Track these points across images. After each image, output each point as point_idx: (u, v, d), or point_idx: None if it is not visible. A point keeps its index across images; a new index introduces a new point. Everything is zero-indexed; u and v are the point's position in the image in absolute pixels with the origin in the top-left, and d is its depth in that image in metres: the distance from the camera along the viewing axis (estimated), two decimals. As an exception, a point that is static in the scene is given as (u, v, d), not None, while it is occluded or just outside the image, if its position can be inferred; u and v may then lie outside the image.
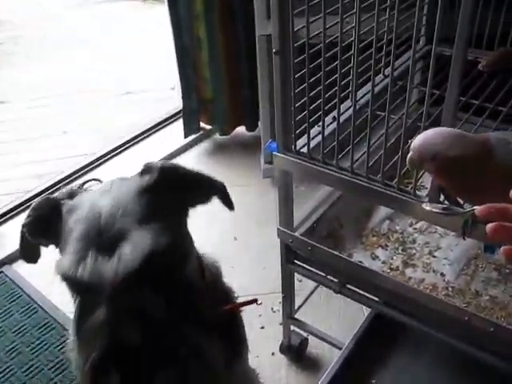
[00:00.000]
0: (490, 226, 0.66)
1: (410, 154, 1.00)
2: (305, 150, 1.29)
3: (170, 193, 0.89)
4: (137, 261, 0.78)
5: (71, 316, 1.85)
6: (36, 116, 3.31)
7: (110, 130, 3.04)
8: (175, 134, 2.76)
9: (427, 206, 1.02)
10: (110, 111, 3.31)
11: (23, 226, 0.93)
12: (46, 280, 2.05)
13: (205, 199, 0.97)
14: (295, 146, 1.30)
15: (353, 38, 1.15)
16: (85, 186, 2.49)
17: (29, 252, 0.99)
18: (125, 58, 4.00)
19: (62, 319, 1.92)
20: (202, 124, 2.71)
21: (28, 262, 1.00)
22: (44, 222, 0.91)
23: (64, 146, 2.94)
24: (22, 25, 4.63)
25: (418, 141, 0.98)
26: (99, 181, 2.53)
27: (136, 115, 3.16)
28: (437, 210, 1.01)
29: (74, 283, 0.82)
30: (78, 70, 3.88)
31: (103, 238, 0.80)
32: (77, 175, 2.56)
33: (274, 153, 1.31)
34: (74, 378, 1.70)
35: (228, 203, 1.00)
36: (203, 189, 0.96)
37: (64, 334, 1.86)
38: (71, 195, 0.92)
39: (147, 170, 0.91)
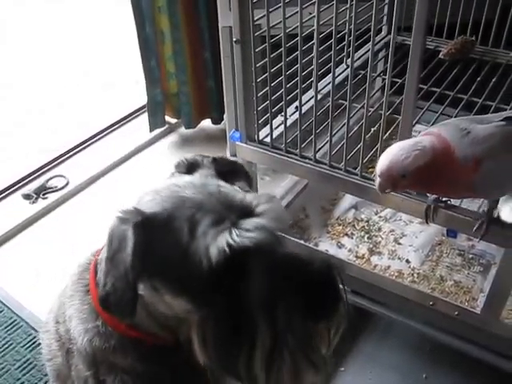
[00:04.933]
0: None
1: (378, 181, 1.00)
2: (268, 139, 1.29)
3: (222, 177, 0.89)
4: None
5: (38, 315, 1.84)
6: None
7: (73, 125, 2.99)
8: (140, 129, 2.74)
9: None
10: (74, 106, 3.25)
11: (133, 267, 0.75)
12: (12, 279, 2.02)
13: (235, 182, 0.96)
14: (258, 136, 1.29)
15: (313, 29, 1.15)
16: (49, 183, 2.47)
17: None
18: (88, 52, 3.94)
19: (28, 318, 1.89)
20: (167, 118, 2.69)
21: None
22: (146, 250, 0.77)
23: (25, 142, 2.89)
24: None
25: (382, 165, 0.98)
26: (63, 177, 2.51)
27: (100, 110, 3.12)
28: None
29: (238, 260, 0.74)
30: (40, 63, 3.80)
31: (235, 212, 0.76)
32: (39, 173, 2.51)
33: (237, 142, 1.31)
34: (42, 377, 1.68)
35: (251, 185, 1.03)
36: (239, 173, 0.98)
37: (31, 333, 1.83)
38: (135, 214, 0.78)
39: (196, 164, 0.91)
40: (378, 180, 1.00)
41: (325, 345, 0.83)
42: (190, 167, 0.91)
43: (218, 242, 0.73)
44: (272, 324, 0.75)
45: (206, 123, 2.72)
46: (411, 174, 0.96)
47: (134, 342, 0.90)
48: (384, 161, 0.98)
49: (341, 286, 0.80)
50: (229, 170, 0.93)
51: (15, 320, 1.88)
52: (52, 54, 3.92)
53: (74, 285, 0.97)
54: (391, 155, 0.97)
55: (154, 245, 0.76)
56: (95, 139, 2.75)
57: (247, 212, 0.77)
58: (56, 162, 2.57)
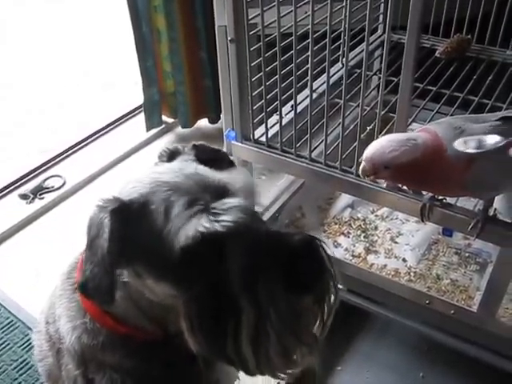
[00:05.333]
0: None
1: (362, 165, 1.01)
2: (263, 138, 1.29)
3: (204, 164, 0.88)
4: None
5: (35, 315, 1.83)
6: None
7: (73, 125, 2.99)
8: (137, 128, 2.73)
9: None
10: (74, 106, 3.25)
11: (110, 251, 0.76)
12: (9, 279, 2.01)
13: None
14: (253, 135, 1.29)
15: (308, 28, 1.14)
16: (46, 183, 2.46)
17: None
18: (88, 52, 3.93)
19: (25, 318, 1.89)
20: (164, 117, 2.69)
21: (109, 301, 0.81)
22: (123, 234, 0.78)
23: (25, 142, 2.89)
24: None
25: (369, 152, 0.99)
26: (60, 177, 2.50)
27: (100, 110, 3.11)
28: None
29: (211, 243, 0.73)
30: (40, 63, 3.80)
31: (210, 193, 0.76)
32: (36, 173, 2.51)
33: (233, 142, 1.31)
34: (38, 377, 1.67)
35: None
36: (223, 161, 0.97)
37: (28, 333, 1.82)
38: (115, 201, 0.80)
39: (176, 152, 0.91)
40: (362, 164, 1.01)
41: (317, 324, 0.82)
42: (171, 156, 0.91)
43: (189, 227, 0.73)
44: (254, 302, 0.74)
45: (203, 123, 2.72)
46: (395, 167, 0.96)
47: (122, 339, 0.90)
48: (371, 148, 0.99)
49: (325, 258, 0.78)
50: (211, 158, 0.92)
51: (12, 320, 1.88)
52: (52, 53, 3.91)
53: (63, 284, 0.97)
54: (380, 145, 0.98)
55: (132, 230, 0.77)
56: (92, 139, 2.75)
57: (222, 192, 0.77)
58: (53, 162, 2.56)
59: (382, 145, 0.98)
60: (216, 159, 0.94)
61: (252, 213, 0.78)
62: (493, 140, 0.96)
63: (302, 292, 0.77)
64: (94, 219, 0.78)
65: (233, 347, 0.77)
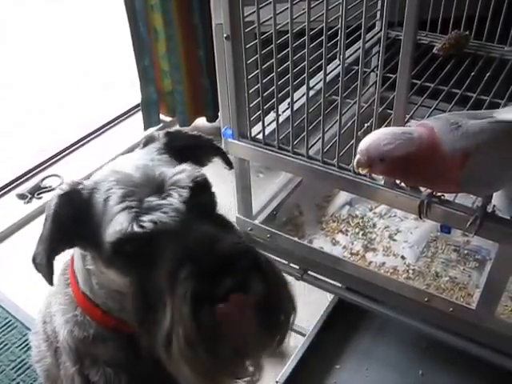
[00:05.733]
0: None
1: (357, 157, 1.00)
2: (260, 136, 1.28)
3: (178, 153, 0.88)
4: (192, 184, 0.77)
5: (33, 315, 1.83)
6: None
7: (73, 125, 2.98)
8: (135, 127, 2.73)
9: None
10: (74, 106, 3.25)
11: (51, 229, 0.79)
12: (7, 279, 2.01)
13: (206, 159, 0.98)
14: (250, 133, 1.29)
15: (304, 25, 1.14)
16: (44, 182, 2.46)
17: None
18: (88, 52, 3.93)
19: (23, 319, 1.89)
20: (161, 116, 2.69)
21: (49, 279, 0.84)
22: (71, 216, 0.80)
23: (25, 142, 2.88)
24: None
25: (364, 144, 0.98)
26: (58, 176, 2.49)
27: (100, 110, 3.11)
28: None
29: (135, 241, 0.74)
30: (40, 63, 3.79)
31: (148, 188, 0.76)
32: (34, 172, 2.50)
33: (229, 139, 1.30)
34: (36, 377, 1.67)
35: (228, 162, 1.02)
36: (206, 148, 0.97)
37: (26, 333, 1.82)
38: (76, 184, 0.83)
39: (151, 139, 0.91)
40: (357, 156, 1.00)
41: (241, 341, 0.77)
42: (146, 143, 0.91)
43: (114, 223, 0.74)
44: (171, 304, 0.73)
45: (201, 121, 2.72)
46: (390, 160, 0.96)
47: (112, 332, 0.90)
48: (367, 140, 0.98)
49: (250, 268, 0.75)
50: (189, 145, 0.92)
51: (10, 320, 1.88)
52: (52, 53, 3.93)
53: (59, 281, 0.98)
54: (376, 137, 0.98)
55: (81, 215, 0.79)
56: (90, 138, 2.75)
57: (158, 188, 0.77)
58: (51, 162, 2.56)
59: (377, 137, 0.97)
60: (196, 146, 0.93)
61: (182, 213, 0.75)
62: None
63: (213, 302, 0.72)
64: (49, 202, 0.81)
65: (154, 345, 0.77)
